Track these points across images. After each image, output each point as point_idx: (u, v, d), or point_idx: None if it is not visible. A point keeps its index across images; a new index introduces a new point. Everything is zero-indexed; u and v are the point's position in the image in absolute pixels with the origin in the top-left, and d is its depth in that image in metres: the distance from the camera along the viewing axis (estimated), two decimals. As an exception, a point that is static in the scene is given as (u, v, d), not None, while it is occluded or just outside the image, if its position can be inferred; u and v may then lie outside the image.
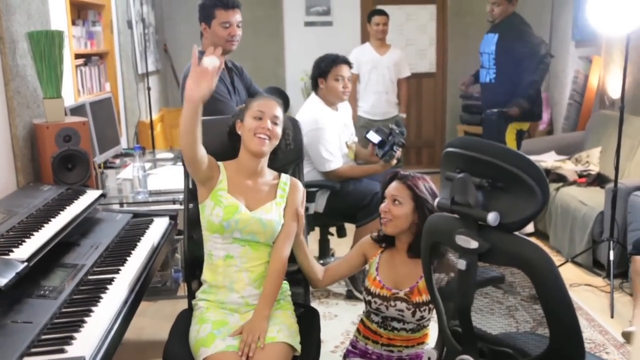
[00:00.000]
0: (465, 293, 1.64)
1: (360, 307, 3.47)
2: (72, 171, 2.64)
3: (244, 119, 2.17)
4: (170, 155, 3.74)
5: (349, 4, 6.56)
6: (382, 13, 5.14)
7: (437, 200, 1.69)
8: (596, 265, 3.89)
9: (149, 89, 4.53)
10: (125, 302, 1.78)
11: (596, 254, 3.87)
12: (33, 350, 1.45)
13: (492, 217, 1.46)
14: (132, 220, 2.51)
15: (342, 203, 3.40)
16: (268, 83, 5.45)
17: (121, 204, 2.85)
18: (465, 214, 1.57)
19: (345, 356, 2.28)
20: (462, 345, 1.70)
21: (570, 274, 3.84)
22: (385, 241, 2.21)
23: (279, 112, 2.18)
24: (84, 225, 2.28)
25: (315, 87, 3.52)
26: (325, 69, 3.43)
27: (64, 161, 2.61)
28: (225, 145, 2.25)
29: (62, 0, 3.43)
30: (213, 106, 2.84)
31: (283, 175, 2.26)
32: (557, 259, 4.07)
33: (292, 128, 2.30)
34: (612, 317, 3.30)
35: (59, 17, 3.31)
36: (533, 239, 4.31)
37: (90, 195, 2.41)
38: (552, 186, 4.36)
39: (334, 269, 2.29)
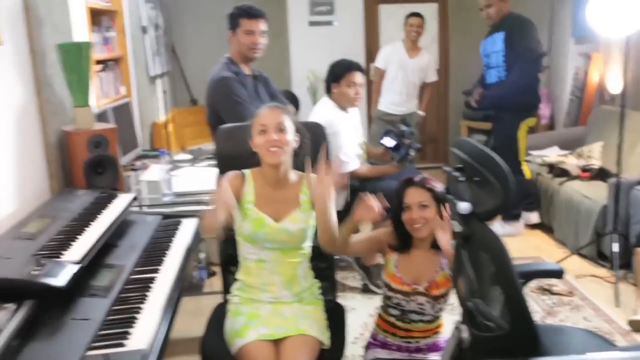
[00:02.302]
0: (457, 269, 1.84)
1: (376, 300, 3.61)
2: (102, 175, 2.76)
3: (253, 136, 2.20)
4: (188, 156, 3.86)
5: (352, 3, 6.67)
6: (418, 15, 5.30)
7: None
8: (600, 257, 4.02)
9: (164, 91, 4.65)
10: (170, 299, 1.91)
11: (600, 246, 4.00)
12: (95, 344, 1.57)
13: (462, 206, 1.71)
14: (161, 221, 2.63)
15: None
16: (274, 82, 5.56)
17: (148, 207, 2.97)
18: (449, 202, 1.83)
19: (367, 348, 2.40)
20: (462, 316, 1.89)
21: (575, 265, 3.98)
22: (403, 246, 2.28)
23: (282, 118, 2.17)
24: (120, 228, 2.40)
25: (328, 90, 3.64)
26: (339, 74, 3.55)
27: (94, 166, 2.74)
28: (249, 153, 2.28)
29: (82, 10, 3.54)
30: (231, 109, 2.98)
31: (305, 175, 2.25)
32: (562, 252, 4.21)
33: (315, 132, 2.40)
34: (617, 306, 3.45)
35: (79, 26, 3.43)
36: (538, 232, 4.51)
37: (124, 198, 2.54)
38: (556, 181, 4.50)
39: (355, 244, 2.32)
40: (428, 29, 6.81)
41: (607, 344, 1.95)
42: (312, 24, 6.66)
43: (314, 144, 2.32)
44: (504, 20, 4.41)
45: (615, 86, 5.11)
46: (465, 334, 1.74)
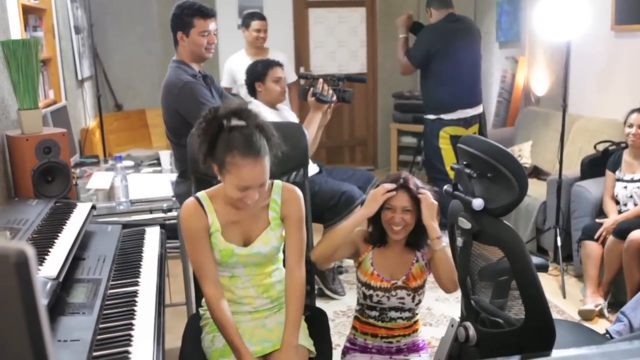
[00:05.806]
0: (464, 266, 1.85)
1: (333, 305, 3.58)
2: (52, 183, 2.56)
3: (223, 170, 1.86)
4: (130, 163, 3.67)
5: (281, 7, 6.61)
6: (263, 18, 4.83)
7: (444, 187, 1.95)
8: (540, 251, 4.18)
9: (99, 95, 4.40)
10: (159, 314, 1.78)
11: (540, 241, 4.16)
12: (93, 367, 1.44)
13: (476, 203, 1.71)
14: (123, 231, 2.47)
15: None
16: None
17: (103, 215, 2.78)
18: (460, 198, 1.82)
19: (344, 353, 2.32)
20: (466, 313, 1.89)
21: (520, 260, 4.11)
22: (380, 241, 2.27)
23: (264, 170, 1.86)
24: (83, 239, 2.23)
25: (252, 92, 3.55)
26: (262, 71, 3.48)
27: (43, 174, 2.53)
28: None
29: (15, 6, 3.28)
30: (198, 111, 2.85)
31: (275, 186, 2.06)
32: (504, 248, 4.34)
33: (296, 134, 2.33)
34: (564, 297, 3.59)
35: (12, 23, 3.17)
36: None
37: (83, 207, 2.36)
38: (494, 179, 4.64)
39: (340, 251, 2.31)
40: (357, 34, 6.91)
41: (595, 334, 2.00)
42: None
43: (296, 145, 2.28)
44: None
45: (539, 88, 5.36)
46: (471, 330, 1.73)
